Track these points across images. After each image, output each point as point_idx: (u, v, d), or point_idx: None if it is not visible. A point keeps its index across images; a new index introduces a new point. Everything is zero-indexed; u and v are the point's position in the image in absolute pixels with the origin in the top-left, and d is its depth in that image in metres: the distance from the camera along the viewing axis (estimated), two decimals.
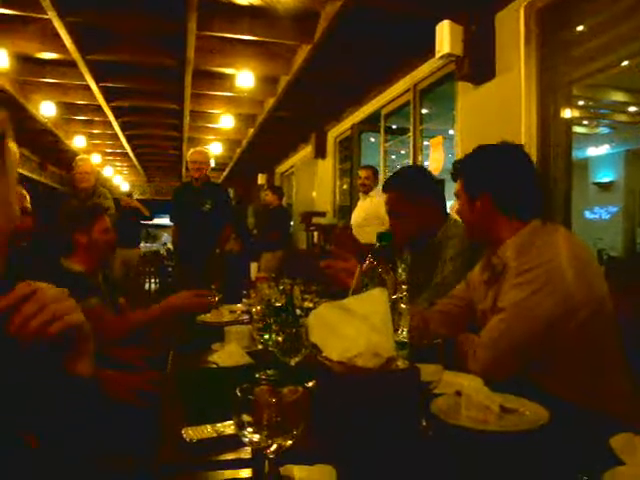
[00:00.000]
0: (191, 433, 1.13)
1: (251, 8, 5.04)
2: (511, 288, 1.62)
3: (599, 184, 10.67)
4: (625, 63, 4.35)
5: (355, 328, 1.05)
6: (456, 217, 2.10)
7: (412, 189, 2.43)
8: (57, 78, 7.13)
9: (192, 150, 5.57)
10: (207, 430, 1.14)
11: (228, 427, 1.13)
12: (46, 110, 8.09)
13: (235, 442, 1.02)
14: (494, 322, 1.61)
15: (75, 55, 5.85)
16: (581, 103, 7.24)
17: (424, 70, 5.58)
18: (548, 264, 1.59)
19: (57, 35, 5.32)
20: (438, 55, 4.40)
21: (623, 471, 0.90)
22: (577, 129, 8.35)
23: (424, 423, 1.09)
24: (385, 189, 2.54)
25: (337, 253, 2.21)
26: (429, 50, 4.56)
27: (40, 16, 5.01)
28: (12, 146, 0.93)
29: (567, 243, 1.65)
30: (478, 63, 4.31)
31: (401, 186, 2.48)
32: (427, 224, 2.41)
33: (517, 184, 1.76)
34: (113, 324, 2.32)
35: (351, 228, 5.19)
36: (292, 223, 9.96)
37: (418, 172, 2.71)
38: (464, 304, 1.93)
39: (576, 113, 7.13)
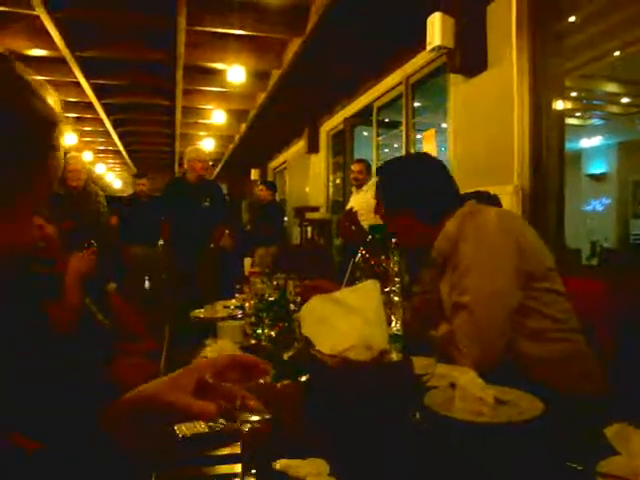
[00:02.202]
0: (184, 429, 1.12)
1: (241, 2, 5.02)
2: (460, 278, 1.64)
3: (592, 175, 10.69)
4: (617, 53, 4.36)
5: (347, 321, 1.04)
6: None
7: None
8: (47, 75, 7.08)
9: (194, 148, 5.52)
10: (200, 425, 1.13)
11: (221, 422, 1.12)
12: None
13: (229, 437, 1.02)
14: (462, 318, 1.60)
15: (64, 52, 5.82)
16: (574, 94, 7.24)
17: (416, 63, 5.56)
18: (484, 245, 1.63)
19: (46, 32, 5.29)
20: (429, 48, 4.38)
21: (617, 461, 0.90)
22: (570, 120, 8.36)
23: (418, 416, 1.09)
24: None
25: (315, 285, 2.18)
26: (421, 43, 4.54)
27: (28, 12, 4.97)
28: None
29: (497, 221, 1.69)
30: (470, 55, 4.30)
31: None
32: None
33: (428, 193, 1.80)
34: None
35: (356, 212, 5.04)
36: (286, 218, 9.95)
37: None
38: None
39: (569, 104, 7.14)
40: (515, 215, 1.79)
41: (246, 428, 0.83)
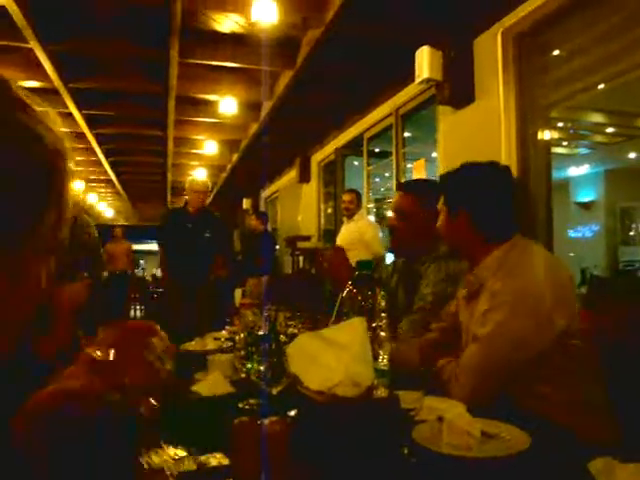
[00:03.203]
0: (172, 467, 1.11)
1: (233, 35, 5.11)
2: (488, 311, 1.59)
3: (580, 203, 10.79)
4: (602, 86, 4.44)
5: (334, 357, 1.05)
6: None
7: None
8: (39, 106, 7.11)
9: (193, 179, 5.53)
10: (188, 462, 1.12)
11: (212, 458, 1.11)
12: None
13: (219, 474, 1.01)
14: (474, 348, 1.59)
15: (57, 83, 5.88)
16: (560, 124, 7.35)
17: (405, 95, 5.65)
18: (523, 286, 1.58)
19: (39, 64, 5.34)
20: (418, 80, 4.47)
21: None
22: (557, 150, 8.46)
23: (406, 451, 1.09)
24: (402, 188, 2.51)
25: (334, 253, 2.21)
26: (410, 75, 4.63)
27: (22, 45, 5.03)
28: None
29: (543, 264, 1.63)
30: (457, 87, 4.38)
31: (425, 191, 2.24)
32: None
33: (495, 206, 1.75)
34: None
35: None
36: (277, 247, 9.95)
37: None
38: (454, 322, 1.89)
39: (555, 134, 7.24)
40: (562, 265, 1.72)
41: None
